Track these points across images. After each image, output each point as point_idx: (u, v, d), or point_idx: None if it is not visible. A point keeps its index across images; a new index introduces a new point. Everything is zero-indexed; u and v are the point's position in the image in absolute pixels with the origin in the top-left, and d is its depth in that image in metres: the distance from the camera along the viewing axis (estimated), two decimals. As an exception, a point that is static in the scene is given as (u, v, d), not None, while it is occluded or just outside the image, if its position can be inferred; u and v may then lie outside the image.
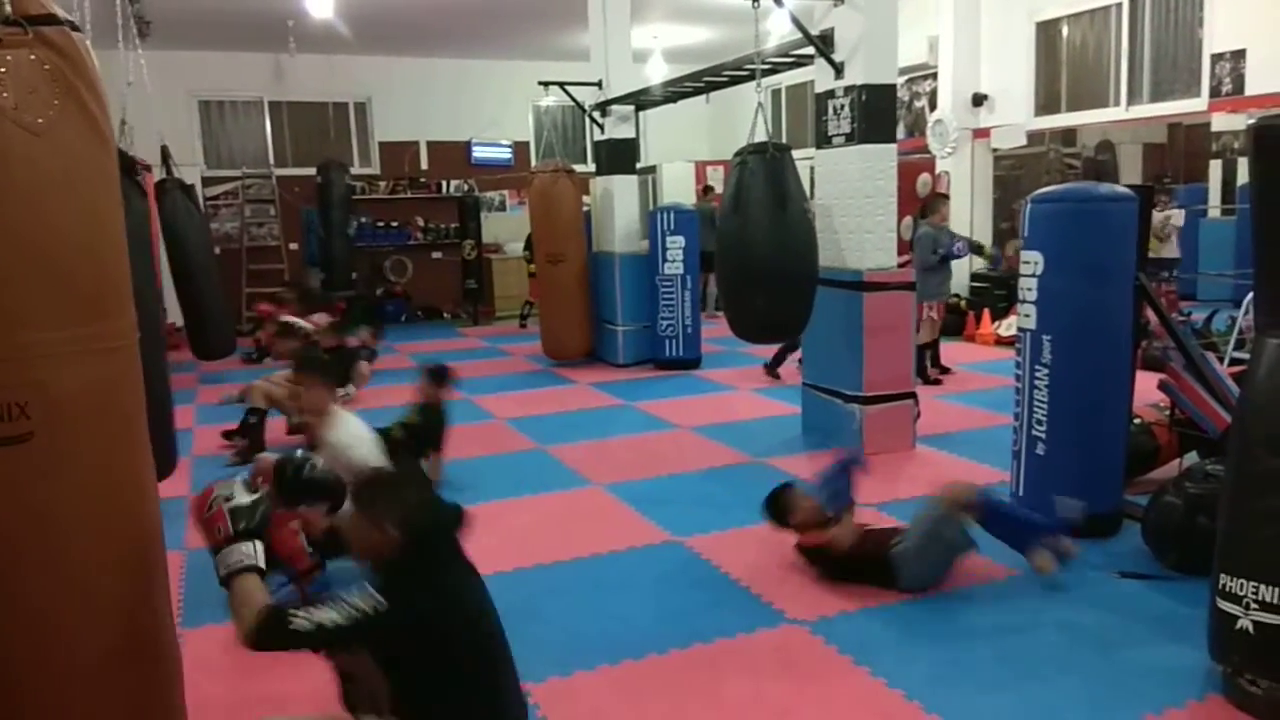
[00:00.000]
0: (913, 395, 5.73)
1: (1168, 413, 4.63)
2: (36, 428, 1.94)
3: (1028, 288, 4.12)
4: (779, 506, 3.97)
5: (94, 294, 2.03)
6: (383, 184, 13.39)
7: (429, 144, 13.67)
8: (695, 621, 3.47)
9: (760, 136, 5.66)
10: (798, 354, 8.03)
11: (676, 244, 8.59)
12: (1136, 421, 4.55)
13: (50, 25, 1.93)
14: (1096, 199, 4.08)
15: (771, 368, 8.03)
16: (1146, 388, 4.61)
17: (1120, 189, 4.20)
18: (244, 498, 2.25)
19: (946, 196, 8.68)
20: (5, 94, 1.84)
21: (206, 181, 12.40)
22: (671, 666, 3.17)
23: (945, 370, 7.86)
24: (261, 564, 2.19)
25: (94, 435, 2.04)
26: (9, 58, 1.86)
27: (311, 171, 12.29)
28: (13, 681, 2.01)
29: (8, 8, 1.86)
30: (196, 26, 10.70)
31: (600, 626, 3.48)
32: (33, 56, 1.89)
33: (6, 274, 1.89)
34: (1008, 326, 8.94)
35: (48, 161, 1.92)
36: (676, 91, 8.68)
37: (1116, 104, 9.44)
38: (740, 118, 7.44)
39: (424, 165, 13.70)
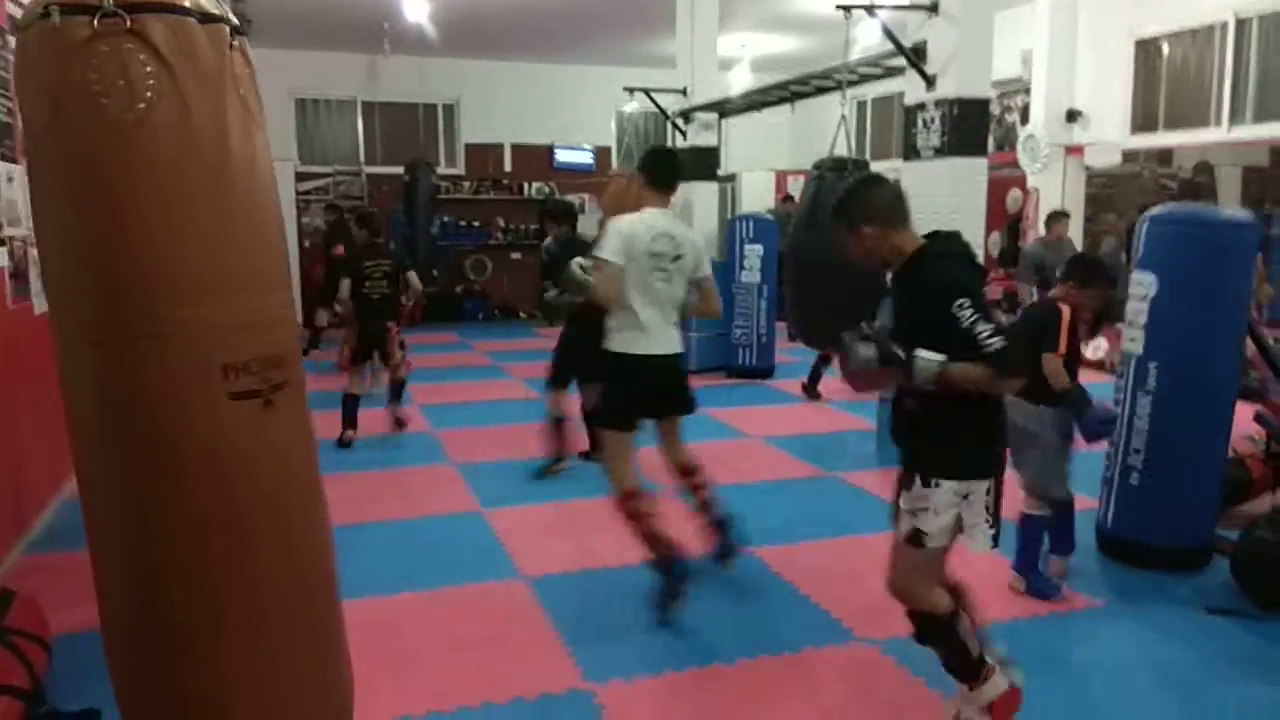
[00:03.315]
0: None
1: (1263, 445, 4.46)
2: (289, 378, 2.19)
3: (1137, 310, 3.96)
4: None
5: (280, 268, 2.26)
6: (466, 184, 13.62)
7: (513, 146, 13.85)
8: (762, 633, 3.45)
9: (842, 150, 5.63)
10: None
11: (755, 252, 8.56)
12: (1230, 453, 4.39)
13: (151, 11, 2.01)
14: (1218, 224, 3.92)
15: (810, 387, 7.81)
16: (1241, 418, 4.44)
17: (1242, 214, 4.03)
18: (867, 352, 2.48)
19: (1066, 214, 8.42)
20: (97, 85, 1.94)
21: (299, 177, 12.77)
22: (737, 677, 3.15)
23: None
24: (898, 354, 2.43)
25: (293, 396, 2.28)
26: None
27: (401, 170, 12.57)
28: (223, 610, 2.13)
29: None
30: (296, 26, 11.03)
31: (666, 632, 3.47)
32: (129, 45, 1.97)
33: (244, 243, 2.13)
34: (1095, 349, 8.69)
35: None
36: (761, 100, 8.65)
37: (1217, 124, 9.11)
38: (824, 127, 7.39)
39: (507, 167, 13.90)
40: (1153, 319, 3.91)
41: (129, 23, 1.92)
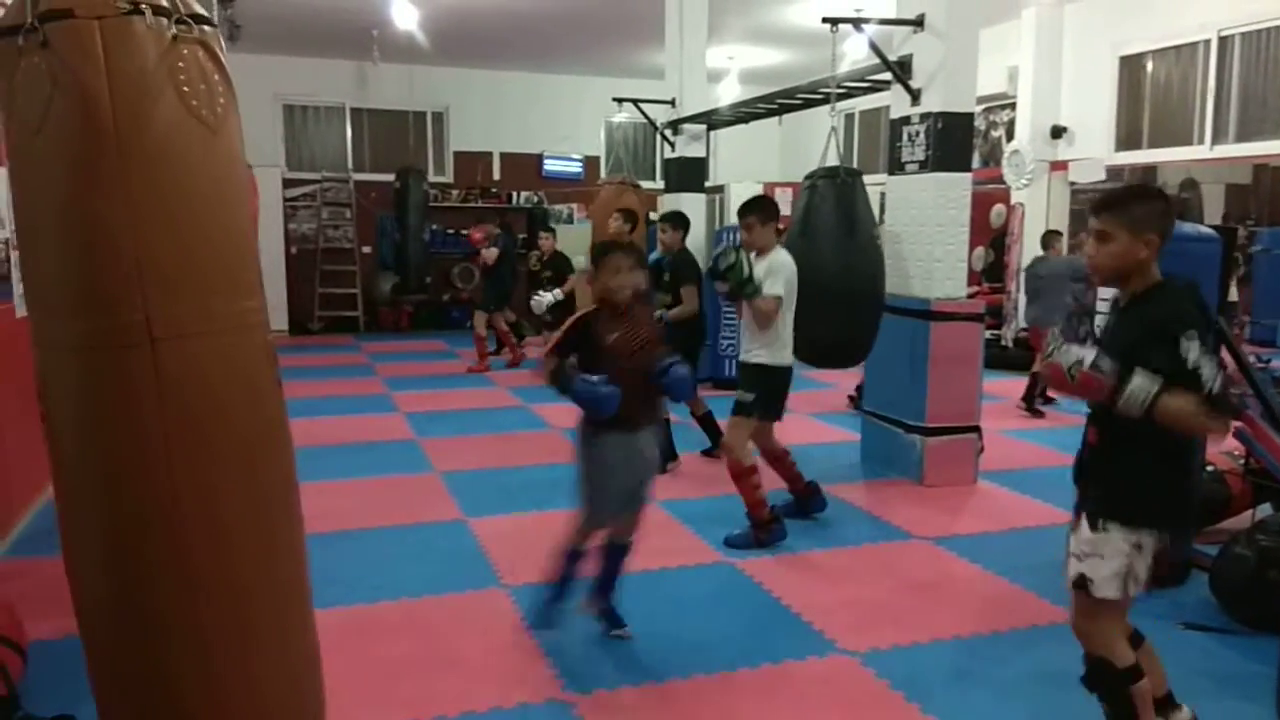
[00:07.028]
0: (976, 429, 5.64)
1: (1242, 461, 4.49)
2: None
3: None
4: None
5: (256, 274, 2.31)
6: (455, 192, 13.62)
7: (502, 155, 13.88)
8: (744, 645, 3.45)
9: (832, 160, 5.65)
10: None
11: (742, 264, 8.56)
12: (1209, 469, 4.42)
13: (209, 25, 2.09)
14: (1181, 239, 3.98)
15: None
16: (1221, 434, 4.48)
17: (1205, 229, 4.10)
18: (1082, 353, 2.28)
19: (1059, 233, 8.57)
20: (186, 88, 1.99)
21: (286, 183, 12.75)
22: (717, 689, 3.15)
23: (1048, 401, 7.77)
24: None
25: None
26: (184, 52, 2.00)
27: (388, 177, 12.58)
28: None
29: (180, 6, 1.99)
30: (285, 32, 11.03)
31: (648, 643, 3.47)
32: (202, 53, 2.04)
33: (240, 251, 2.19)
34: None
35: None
36: (749, 112, 8.69)
37: (1200, 142, 9.21)
38: (811, 140, 7.43)
39: (496, 176, 13.91)
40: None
41: (196, 31, 1.99)
